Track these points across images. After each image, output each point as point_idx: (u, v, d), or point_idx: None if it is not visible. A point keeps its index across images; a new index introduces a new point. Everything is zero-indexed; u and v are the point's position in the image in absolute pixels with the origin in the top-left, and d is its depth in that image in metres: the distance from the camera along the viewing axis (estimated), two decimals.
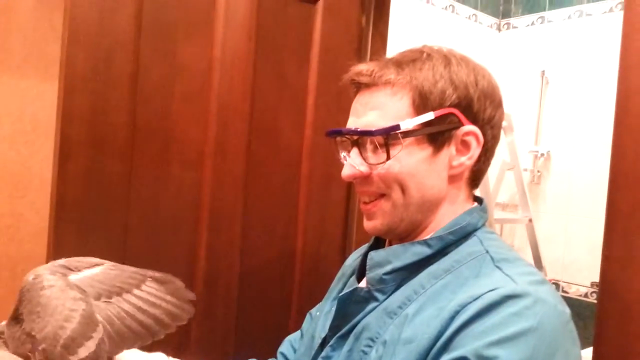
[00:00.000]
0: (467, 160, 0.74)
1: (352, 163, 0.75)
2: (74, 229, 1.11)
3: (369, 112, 0.74)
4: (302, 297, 1.43)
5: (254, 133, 1.33)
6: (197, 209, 1.26)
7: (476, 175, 0.78)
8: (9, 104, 1.55)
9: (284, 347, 1.00)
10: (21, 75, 1.56)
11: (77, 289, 0.63)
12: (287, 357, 0.97)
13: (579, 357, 0.65)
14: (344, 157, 0.76)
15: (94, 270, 0.67)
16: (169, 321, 0.69)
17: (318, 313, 0.88)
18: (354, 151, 0.75)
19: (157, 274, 0.72)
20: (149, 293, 0.69)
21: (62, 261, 0.66)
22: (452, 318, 0.64)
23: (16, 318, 0.60)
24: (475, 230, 0.75)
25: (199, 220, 1.26)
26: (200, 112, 1.24)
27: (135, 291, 0.68)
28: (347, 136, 0.76)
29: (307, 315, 0.99)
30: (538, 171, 2.55)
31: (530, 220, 2.32)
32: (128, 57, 1.14)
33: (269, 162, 1.36)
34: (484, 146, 0.75)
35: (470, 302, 0.64)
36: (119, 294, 0.66)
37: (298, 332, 1.00)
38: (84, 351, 0.58)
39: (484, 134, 0.74)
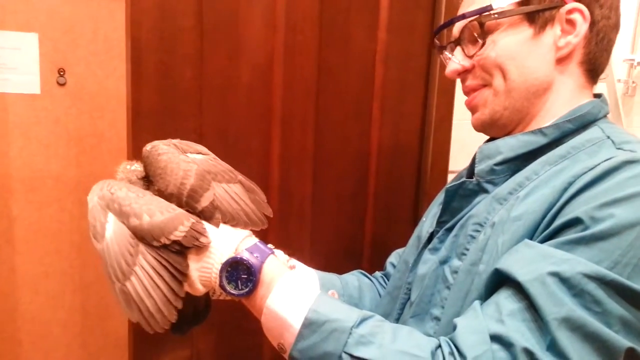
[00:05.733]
0: (574, 38, 0.69)
1: (455, 59, 0.75)
2: (150, 136, 1.12)
3: (468, 8, 0.73)
4: (377, 208, 1.40)
5: (324, 37, 1.26)
6: (268, 116, 1.23)
7: (591, 62, 0.72)
8: (81, 25, 1.57)
9: (393, 258, 0.99)
10: None
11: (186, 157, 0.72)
12: (396, 267, 0.95)
13: None
14: (448, 56, 0.76)
15: (197, 156, 0.74)
16: (246, 221, 0.73)
17: (424, 219, 0.86)
18: (457, 49, 0.75)
19: (245, 180, 0.77)
20: (235, 192, 0.74)
21: (174, 140, 0.75)
22: (564, 189, 0.60)
23: (147, 179, 0.71)
24: (596, 120, 0.70)
25: (270, 128, 1.23)
26: (268, 14, 1.19)
27: (225, 185, 0.74)
28: (447, 42, 0.77)
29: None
30: (633, 82, 2.33)
31: None
32: None
33: (341, 69, 1.30)
34: (594, 26, 0.70)
35: (585, 172, 0.60)
36: (214, 180, 0.73)
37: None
38: (205, 200, 0.69)
39: (592, 13, 0.69)
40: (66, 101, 1.61)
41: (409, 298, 0.77)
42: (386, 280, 0.97)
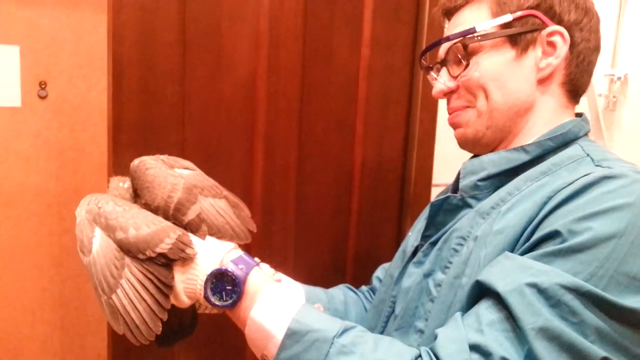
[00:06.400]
0: (554, 59, 0.72)
1: (440, 80, 0.77)
2: (132, 151, 1.11)
3: (453, 31, 0.76)
4: (360, 223, 1.40)
5: (307, 53, 1.27)
6: (251, 131, 1.23)
7: (572, 83, 0.75)
8: (63, 38, 1.56)
9: (379, 272, 1.00)
10: (74, 6, 1.55)
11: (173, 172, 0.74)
12: (382, 281, 0.96)
13: None
14: (434, 77, 0.79)
15: (184, 171, 0.76)
16: (232, 234, 0.74)
17: (410, 233, 0.88)
18: (442, 70, 0.78)
19: (230, 195, 0.78)
20: (221, 207, 0.75)
21: (162, 156, 0.76)
22: (544, 204, 0.63)
23: (135, 193, 0.72)
24: (577, 139, 0.73)
25: (253, 143, 1.23)
26: (251, 30, 1.19)
27: (211, 200, 0.75)
28: (433, 63, 0.79)
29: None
30: (614, 97, 2.39)
31: None
32: None
33: (324, 84, 1.30)
34: (574, 48, 0.73)
35: (564, 187, 0.62)
36: (201, 194, 0.74)
37: None
38: (192, 213, 0.70)
39: (572, 35, 0.72)
40: (47, 114, 1.58)
41: (393, 311, 0.78)
42: (372, 294, 0.97)
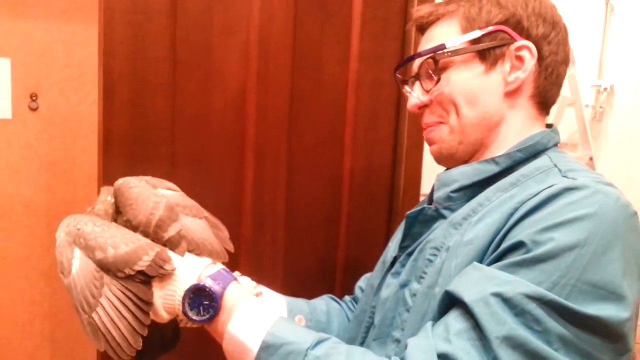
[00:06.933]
0: (522, 73, 0.73)
1: (414, 94, 0.79)
2: (122, 164, 1.12)
3: (425, 46, 0.78)
4: (349, 234, 1.41)
5: (297, 67, 1.28)
6: (241, 144, 1.24)
7: (541, 95, 0.76)
8: (55, 50, 1.57)
9: (361, 282, 1.02)
10: (66, 19, 1.56)
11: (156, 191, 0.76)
12: (364, 291, 0.98)
13: None
14: (408, 91, 0.81)
15: (167, 192, 0.78)
16: (210, 250, 0.75)
17: (390, 244, 0.90)
18: (416, 84, 0.80)
19: (210, 217, 0.80)
20: (200, 226, 0.77)
21: (145, 177, 0.78)
22: (510, 215, 0.64)
23: (117, 210, 0.74)
24: (546, 149, 0.74)
25: (243, 156, 1.25)
26: (241, 45, 1.21)
27: (191, 218, 0.77)
28: (408, 77, 0.81)
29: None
30: (600, 107, 2.42)
31: (591, 159, 2.21)
32: None
33: (314, 98, 1.32)
34: (542, 61, 0.74)
35: (529, 199, 0.64)
36: (182, 212, 0.76)
37: None
38: (172, 230, 0.71)
39: (540, 49, 0.74)
40: (38, 126, 1.59)
41: (372, 321, 0.79)
42: (355, 304, 0.99)
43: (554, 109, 2.52)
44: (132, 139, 1.13)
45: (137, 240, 0.68)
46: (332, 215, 1.39)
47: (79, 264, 0.66)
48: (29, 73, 1.55)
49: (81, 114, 1.59)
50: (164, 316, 0.68)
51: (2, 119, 1.52)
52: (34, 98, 1.54)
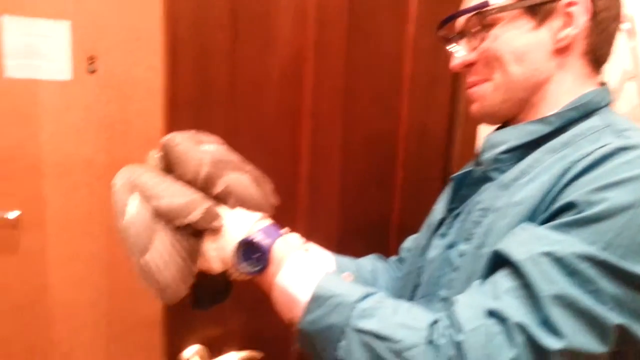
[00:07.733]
0: (573, 29, 0.70)
1: (459, 52, 0.77)
2: (186, 128, 1.14)
3: (471, 3, 0.76)
4: (404, 199, 1.42)
5: (352, 32, 1.27)
6: (298, 110, 1.25)
7: (594, 52, 0.73)
8: (112, 14, 1.59)
9: (407, 243, 1.02)
10: None
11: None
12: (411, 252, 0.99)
13: None
14: (453, 49, 0.79)
15: (211, 147, 0.79)
16: (257, 204, 0.77)
17: (435, 206, 0.90)
18: (461, 42, 0.78)
19: (254, 170, 0.81)
20: (245, 180, 0.79)
21: (190, 132, 0.80)
22: (562, 175, 0.63)
23: (167, 167, 0.75)
24: (599, 109, 0.72)
25: (300, 121, 1.25)
26: (298, 12, 1.20)
27: (237, 173, 0.78)
28: (452, 34, 0.79)
29: None
30: None
31: None
32: None
33: (370, 63, 1.31)
34: (595, 17, 0.71)
35: (581, 159, 0.62)
36: (226, 168, 0.77)
37: None
38: (219, 186, 0.73)
39: (593, 4, 0.71)
40: (96, 88, 1.63)
41: (419, 281, 0.80)
42: (399, 265, 0.99)
43: (612, 84, 2.42)
44: (196, 104, 1.15)
45: (189, 194, 0.71)
46: (387, 179, 1.40)
47: (134, 210, 0.69)
48: (88, 36, 1.58)
49: (137, 78, 1.62)
50: (215, 268, 0.71)
51: (62, 81, 1.56)
52: (92, 61, 1.57)
